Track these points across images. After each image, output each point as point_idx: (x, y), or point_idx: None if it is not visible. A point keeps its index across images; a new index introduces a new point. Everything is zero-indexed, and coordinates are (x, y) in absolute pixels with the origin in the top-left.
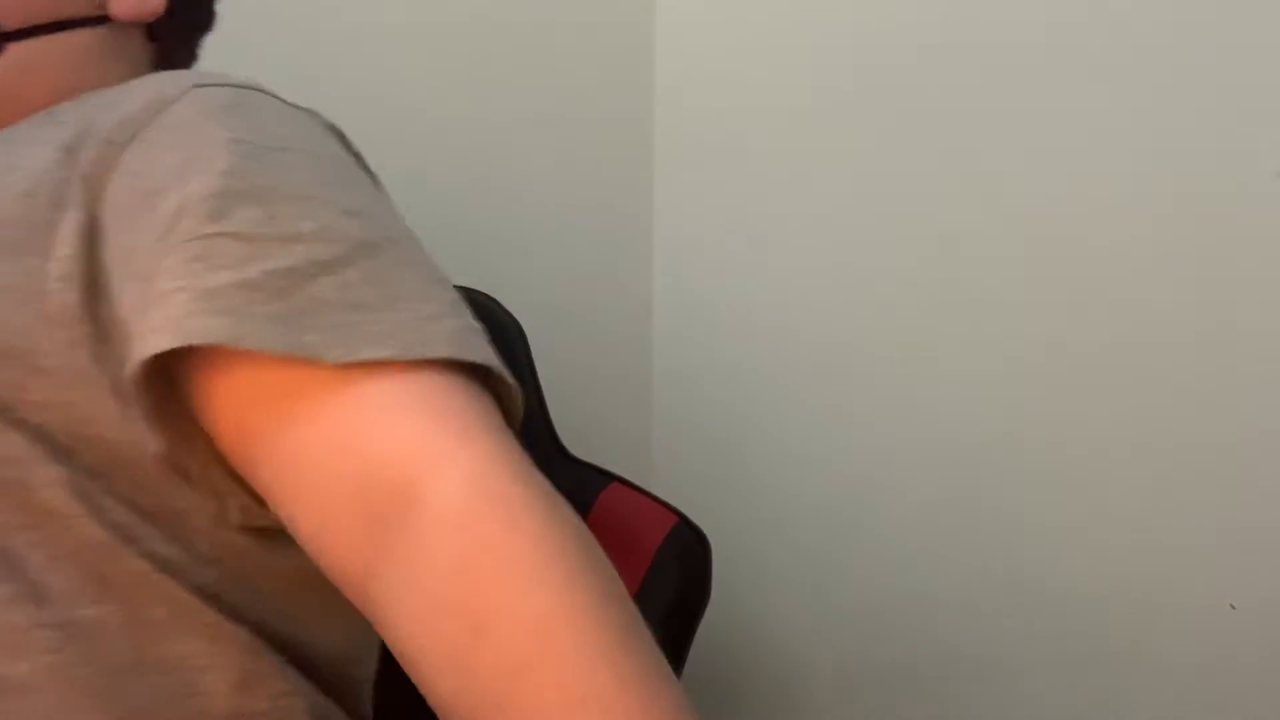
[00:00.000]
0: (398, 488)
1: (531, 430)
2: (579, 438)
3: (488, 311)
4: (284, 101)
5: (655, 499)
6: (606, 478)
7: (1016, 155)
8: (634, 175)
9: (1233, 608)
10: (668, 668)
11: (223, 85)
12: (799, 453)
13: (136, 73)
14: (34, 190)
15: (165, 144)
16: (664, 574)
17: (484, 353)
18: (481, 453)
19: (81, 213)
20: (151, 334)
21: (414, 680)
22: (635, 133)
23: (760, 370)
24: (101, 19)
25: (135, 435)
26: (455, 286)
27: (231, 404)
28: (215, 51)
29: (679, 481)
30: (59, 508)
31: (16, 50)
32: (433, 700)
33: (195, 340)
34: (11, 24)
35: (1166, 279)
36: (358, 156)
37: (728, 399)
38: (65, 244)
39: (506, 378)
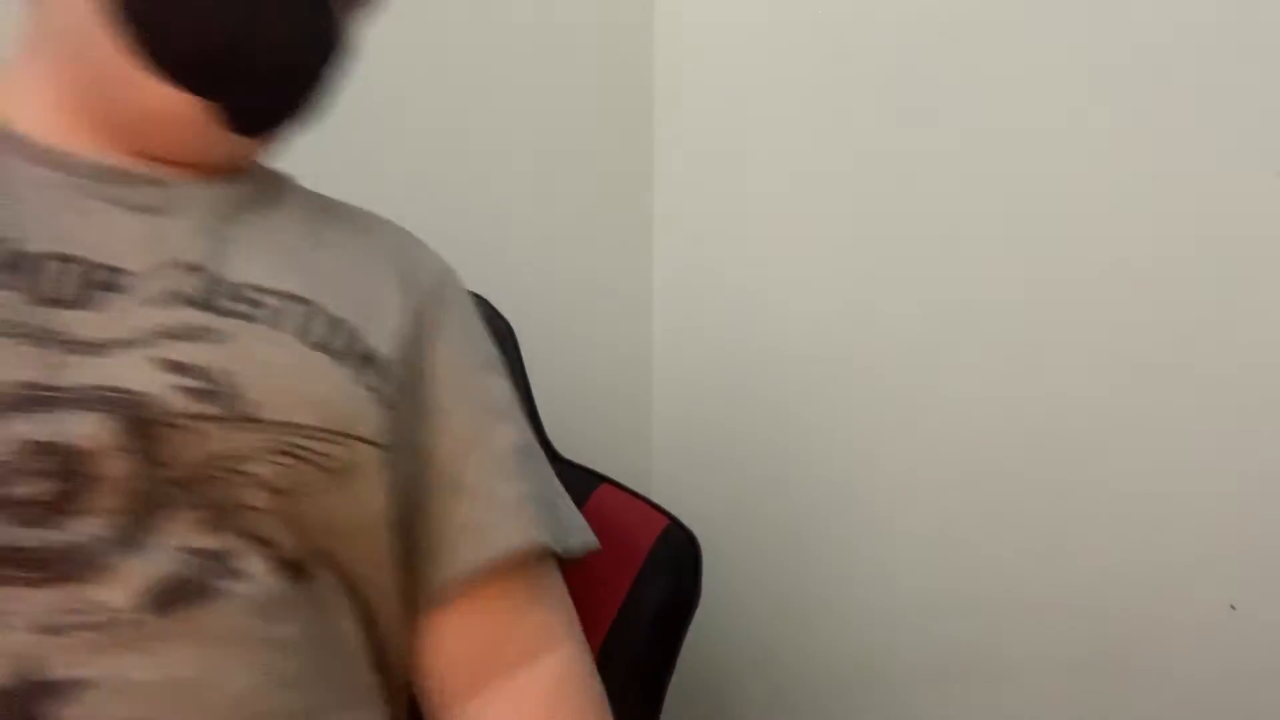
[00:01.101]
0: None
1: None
2: (579, 439)
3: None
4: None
5: (646, 501)
6: (597, 479)
7: (1017, 157)
8: (634, 176)
9: (1233, 608)
10: None
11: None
12: (799, 454)
13: None
14: (401, 334)
15: (467, 331)
16: (655, 576)
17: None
18: (582, 642)
19: (428, 368)
20: (525, 527)
21: None
22: (635, 133)
23: (760, 372)
24: None
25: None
26: None
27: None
28: None
29: (679, 483)
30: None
31: None
32: None
33: (555, 547)
34: None
35: (1167, 280)
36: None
37: (727, 400)
38: (432, 399)
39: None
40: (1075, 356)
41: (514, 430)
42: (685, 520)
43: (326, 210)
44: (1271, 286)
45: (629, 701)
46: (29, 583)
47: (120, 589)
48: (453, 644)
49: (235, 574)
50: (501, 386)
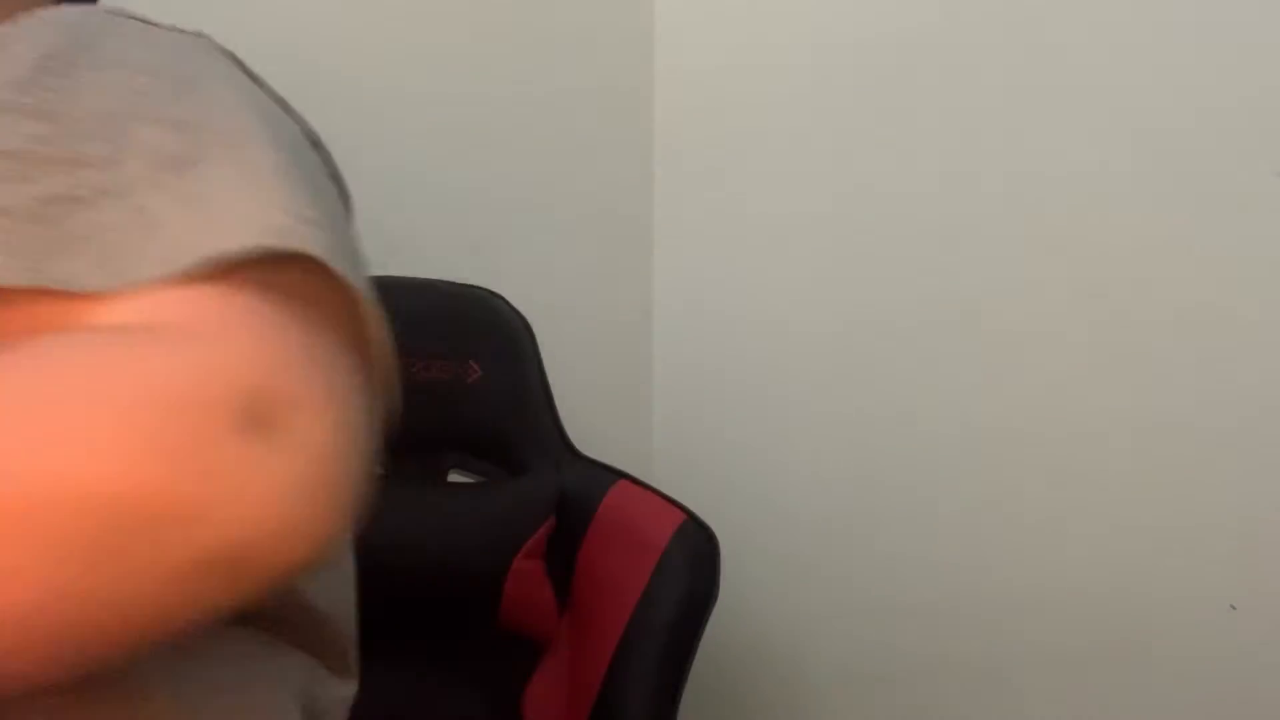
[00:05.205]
0: None
1: (541, 428)
2: (581, 436)
3: (495, 309)
4: (155, 25)
5: (663, 496)
6: (614, 475)
7: (1015, 155)
8: (634, 175)
9: (1233, 608)
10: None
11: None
12: (799, 451)
13: None
14: None
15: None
16: (672, 571)
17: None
18: None
19: None
20: None
21: None
22: (635, 133)
23: (760, 369)
24: None
25: None
26: (461, 285)
27: None
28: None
29: (679, 480)
30: None
31: None
32: None
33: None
34: None
35: (1166, 279)
36: (254, 79)
37: (727, 398)
38: None
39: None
40: (1074, 357)
41: None
42: None
43: None
44: (1272, 285)
45: (648, 693)
46: None
47: None
48: None
49: None
50: None
